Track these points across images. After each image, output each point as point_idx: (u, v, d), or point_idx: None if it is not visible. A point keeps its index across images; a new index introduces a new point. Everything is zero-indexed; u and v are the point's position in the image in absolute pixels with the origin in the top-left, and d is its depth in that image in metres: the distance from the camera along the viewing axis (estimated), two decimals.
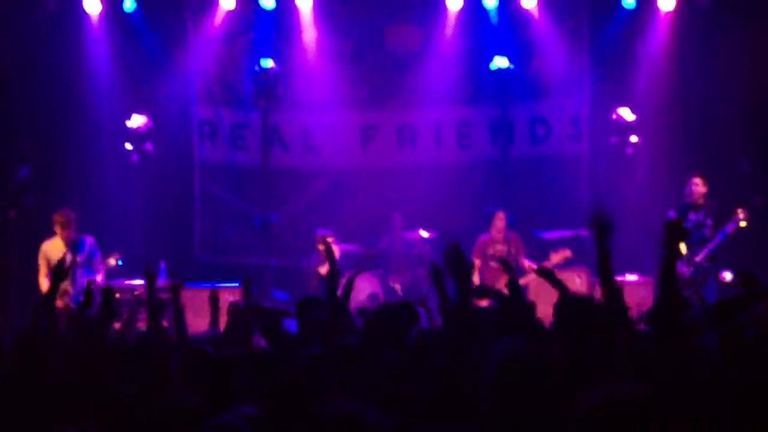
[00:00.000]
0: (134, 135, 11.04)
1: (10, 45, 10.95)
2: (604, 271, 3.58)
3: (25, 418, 3.49)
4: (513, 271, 5.55)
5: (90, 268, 9.01)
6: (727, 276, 8.75)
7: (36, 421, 3.44)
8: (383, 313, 4.91)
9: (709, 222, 9.12)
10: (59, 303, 8.41)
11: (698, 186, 9.16)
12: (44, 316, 4.58)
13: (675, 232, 3.52)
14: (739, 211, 8.98)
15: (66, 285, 8.66)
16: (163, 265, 10.40)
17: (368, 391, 3.70)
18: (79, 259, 8.89)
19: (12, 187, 10.16)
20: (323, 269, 9.49)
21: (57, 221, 8.98)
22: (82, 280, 8.65)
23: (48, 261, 8.80)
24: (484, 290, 5.61)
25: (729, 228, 8.96)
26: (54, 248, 8.95)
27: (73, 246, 8.94)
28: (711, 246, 9.04)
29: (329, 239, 9.41)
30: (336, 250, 9.45)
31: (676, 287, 3.43)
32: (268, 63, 10.97)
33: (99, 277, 8.95)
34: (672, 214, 9.21)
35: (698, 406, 1.97)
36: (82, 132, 11.40)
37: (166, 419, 3.36)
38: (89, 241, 9.12)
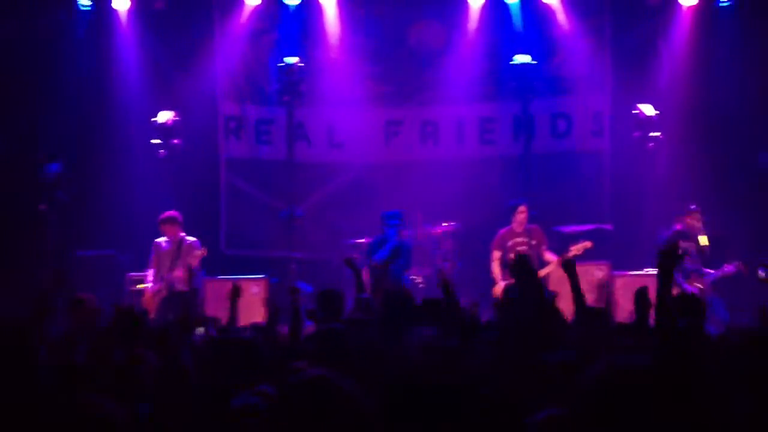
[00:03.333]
0: (161, 130, 11.20)
1: (39, 42, 11.20)
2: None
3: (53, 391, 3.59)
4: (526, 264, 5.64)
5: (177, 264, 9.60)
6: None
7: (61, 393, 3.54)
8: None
9: None
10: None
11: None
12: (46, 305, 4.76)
13: (670, 257, 3.60)
14: None
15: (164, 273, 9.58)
16: None
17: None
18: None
19: (43, 183, 10.36)
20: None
21: (167, 222, 9.64)
22: (174, 272, 9.56)
23: (158, 255, 9.67)
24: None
25: None
26: (162, 245, 9.72)
27: (179, 244, 9.61)
28: None
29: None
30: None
31: (670, 311, 3.53)
32: (292, 60, 11.11)
33: (180, 272, 9.53)
34: (694, 207, 9.29)
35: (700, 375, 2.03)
36: (111, 127, 11.63)
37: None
38: (193, 242, 9.70)
